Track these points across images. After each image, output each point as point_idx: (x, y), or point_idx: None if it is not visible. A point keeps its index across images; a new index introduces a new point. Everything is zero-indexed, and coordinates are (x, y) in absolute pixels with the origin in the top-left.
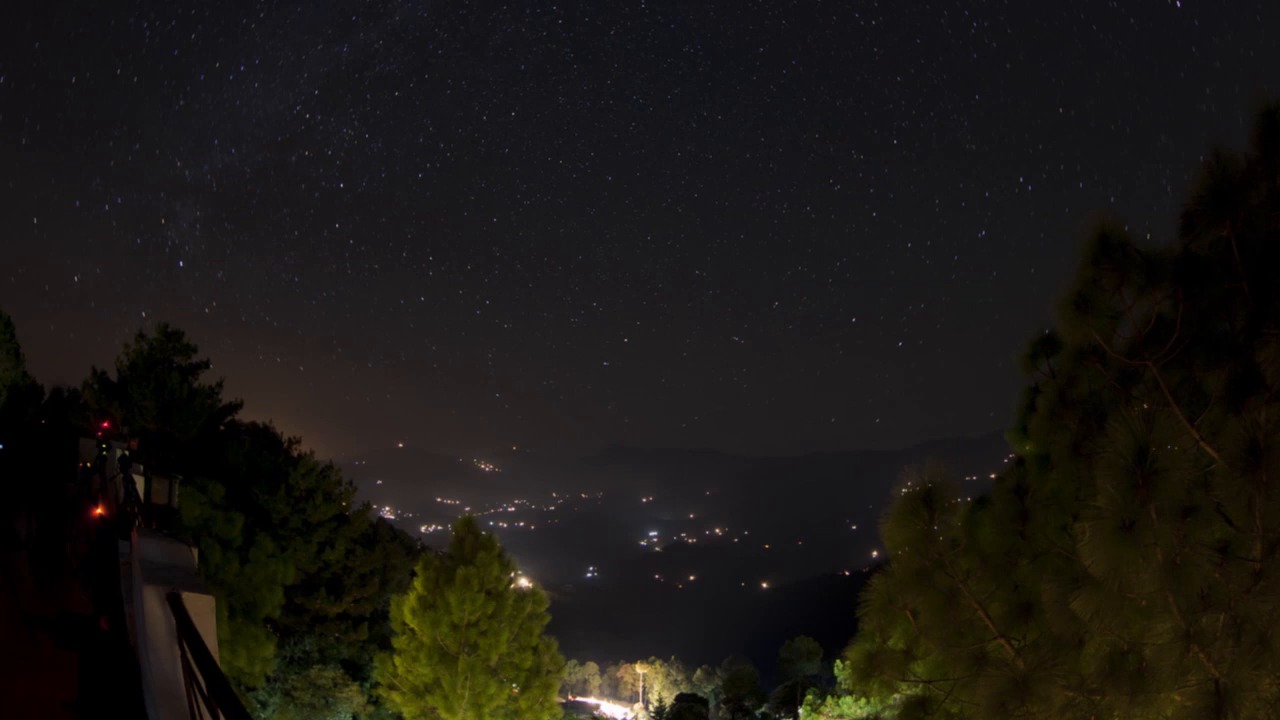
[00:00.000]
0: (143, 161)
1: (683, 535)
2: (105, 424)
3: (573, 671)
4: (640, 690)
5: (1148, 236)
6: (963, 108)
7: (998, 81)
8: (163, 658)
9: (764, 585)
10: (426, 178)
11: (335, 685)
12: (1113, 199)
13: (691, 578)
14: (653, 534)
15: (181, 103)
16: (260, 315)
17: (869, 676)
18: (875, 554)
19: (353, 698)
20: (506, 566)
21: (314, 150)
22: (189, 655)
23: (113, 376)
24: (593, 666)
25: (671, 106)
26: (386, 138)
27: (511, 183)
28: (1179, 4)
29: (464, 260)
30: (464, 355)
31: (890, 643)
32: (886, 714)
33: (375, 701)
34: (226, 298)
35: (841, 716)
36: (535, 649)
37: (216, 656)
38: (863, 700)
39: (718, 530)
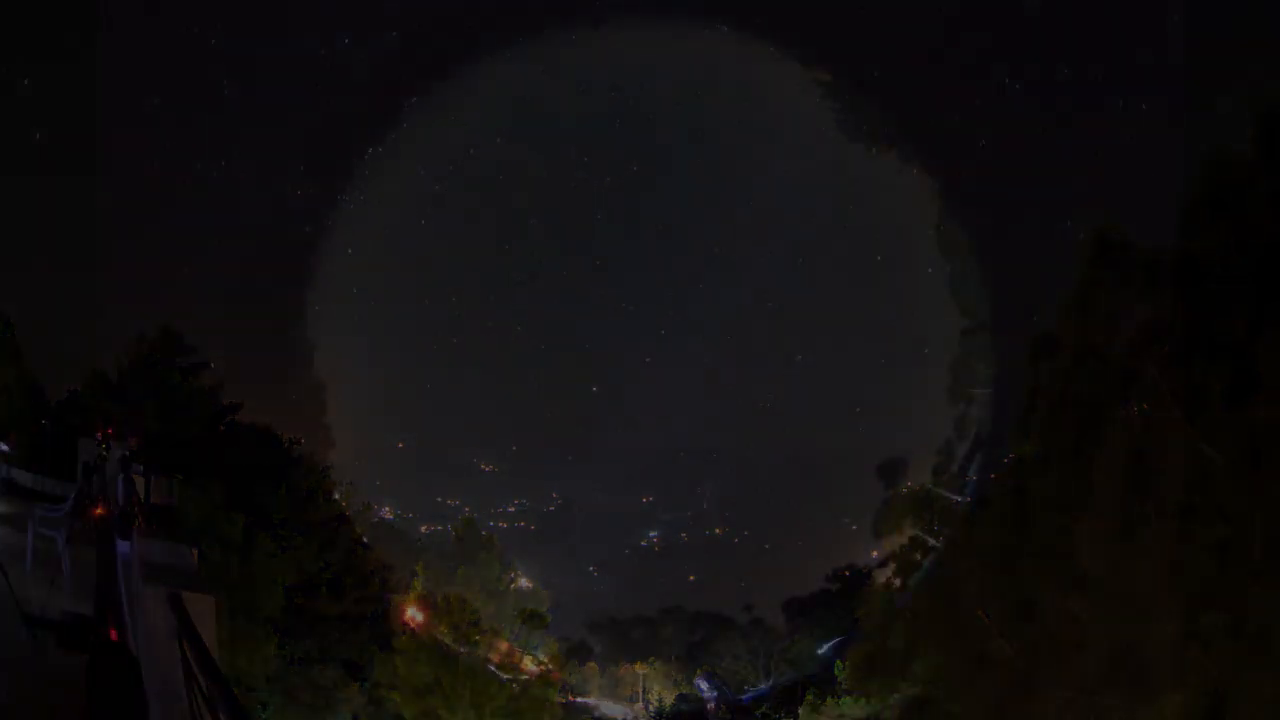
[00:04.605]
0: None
1: (683, 535)
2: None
3: (572, 671)
4: (640, 690)
5: (1144, 108)
6: (928, 14)
7: None
8: (163, 658)
9: (764, 585)
10: (429, 223)
11: (335, 685)
12: (1100, 77)
13: (691, 578)
14: (653, 534)
15: (172, 216)
16: (296, 402)
17: (869, 676)
18: (875, 554)
19: (353, 698)
20: (507, 566)
21: (313, 225)
22: (189, 655)
23: (113, 376)
24: (593, 666)
25: (651, 94)
26: (382, 194)
27: (513, 206)
28: None
29: (486, 293)
30: (509, 388)
31: (890, 643)
32: (886, 714)
33: (375, 701)
34: (261, 391)
35: (841, 716)
36: (535, 649)
37: (216, 656)
38: (863, 700)
39: (718, 530)
